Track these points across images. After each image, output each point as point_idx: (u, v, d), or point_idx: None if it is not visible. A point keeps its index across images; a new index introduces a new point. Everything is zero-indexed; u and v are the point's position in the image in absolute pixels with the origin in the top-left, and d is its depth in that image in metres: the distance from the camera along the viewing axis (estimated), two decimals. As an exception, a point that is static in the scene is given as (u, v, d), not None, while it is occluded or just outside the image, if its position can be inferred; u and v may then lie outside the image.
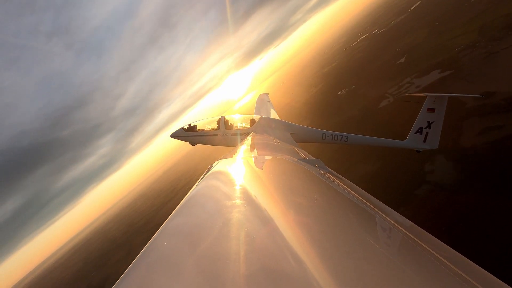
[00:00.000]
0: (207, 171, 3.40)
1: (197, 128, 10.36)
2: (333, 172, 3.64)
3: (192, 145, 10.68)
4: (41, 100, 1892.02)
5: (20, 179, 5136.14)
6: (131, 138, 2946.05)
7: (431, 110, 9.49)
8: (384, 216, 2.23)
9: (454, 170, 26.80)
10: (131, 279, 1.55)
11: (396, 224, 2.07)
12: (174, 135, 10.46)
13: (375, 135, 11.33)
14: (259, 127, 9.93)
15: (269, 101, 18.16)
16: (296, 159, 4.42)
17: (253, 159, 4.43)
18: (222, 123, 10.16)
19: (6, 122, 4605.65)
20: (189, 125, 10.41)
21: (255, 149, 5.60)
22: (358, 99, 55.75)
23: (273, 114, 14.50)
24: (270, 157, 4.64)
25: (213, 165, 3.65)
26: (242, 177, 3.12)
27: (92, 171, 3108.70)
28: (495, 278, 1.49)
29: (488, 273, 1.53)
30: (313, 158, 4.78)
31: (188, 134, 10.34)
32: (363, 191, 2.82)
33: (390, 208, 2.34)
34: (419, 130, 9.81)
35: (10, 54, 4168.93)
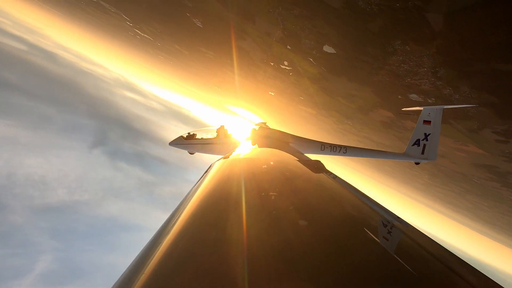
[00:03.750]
0: (207, 171, 3.44)
1: (196, 137, 10.46)
2: (332, 173, 3.67)
3: (190, 153, 10.74)
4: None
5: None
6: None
7: (427, 122, 9.64)
8: (383, 217, 2.26)
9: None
10: (130, 279, 1.56)
11: (395, 225, 2.10)
12: (173, 143, 10.53)
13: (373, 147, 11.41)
14: (258, 136, 10.01)
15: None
16: (295, 160, 4.46)
17: (253, 159, 4.46)
18: (222, 131, 10.27)
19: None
20: (189, 133, 10.52)
21: (255, 150, 5.65)
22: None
23: None
24: (270, 158, 4.67)
25: (213, 165, 3.69)
26: (242, 177, 3.15)
27: None
28: (490, 278, 1.52)
29: (483, 274, 1.56)
30: (313, 159, 4.82)
31: (187, 142, 10.42)
32: (363, 192, 2.86)
33: (389, 210, 2.38)
34: (417, 142, 9.91)
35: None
